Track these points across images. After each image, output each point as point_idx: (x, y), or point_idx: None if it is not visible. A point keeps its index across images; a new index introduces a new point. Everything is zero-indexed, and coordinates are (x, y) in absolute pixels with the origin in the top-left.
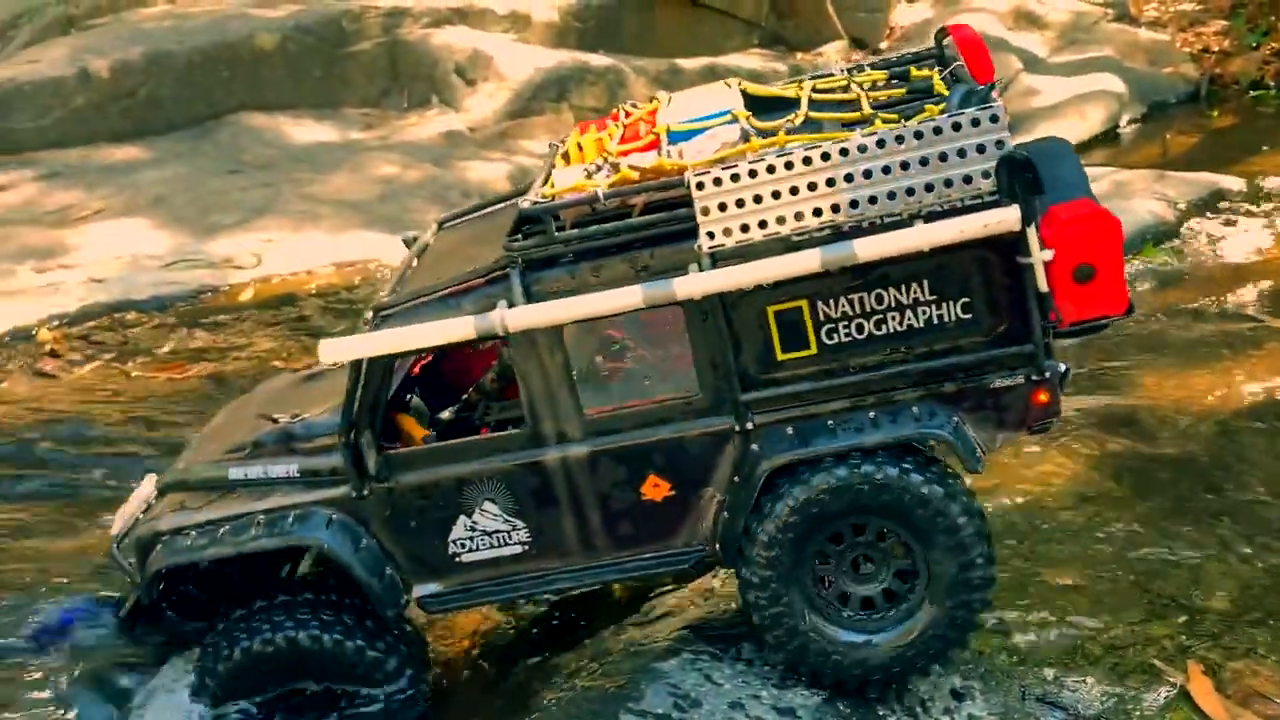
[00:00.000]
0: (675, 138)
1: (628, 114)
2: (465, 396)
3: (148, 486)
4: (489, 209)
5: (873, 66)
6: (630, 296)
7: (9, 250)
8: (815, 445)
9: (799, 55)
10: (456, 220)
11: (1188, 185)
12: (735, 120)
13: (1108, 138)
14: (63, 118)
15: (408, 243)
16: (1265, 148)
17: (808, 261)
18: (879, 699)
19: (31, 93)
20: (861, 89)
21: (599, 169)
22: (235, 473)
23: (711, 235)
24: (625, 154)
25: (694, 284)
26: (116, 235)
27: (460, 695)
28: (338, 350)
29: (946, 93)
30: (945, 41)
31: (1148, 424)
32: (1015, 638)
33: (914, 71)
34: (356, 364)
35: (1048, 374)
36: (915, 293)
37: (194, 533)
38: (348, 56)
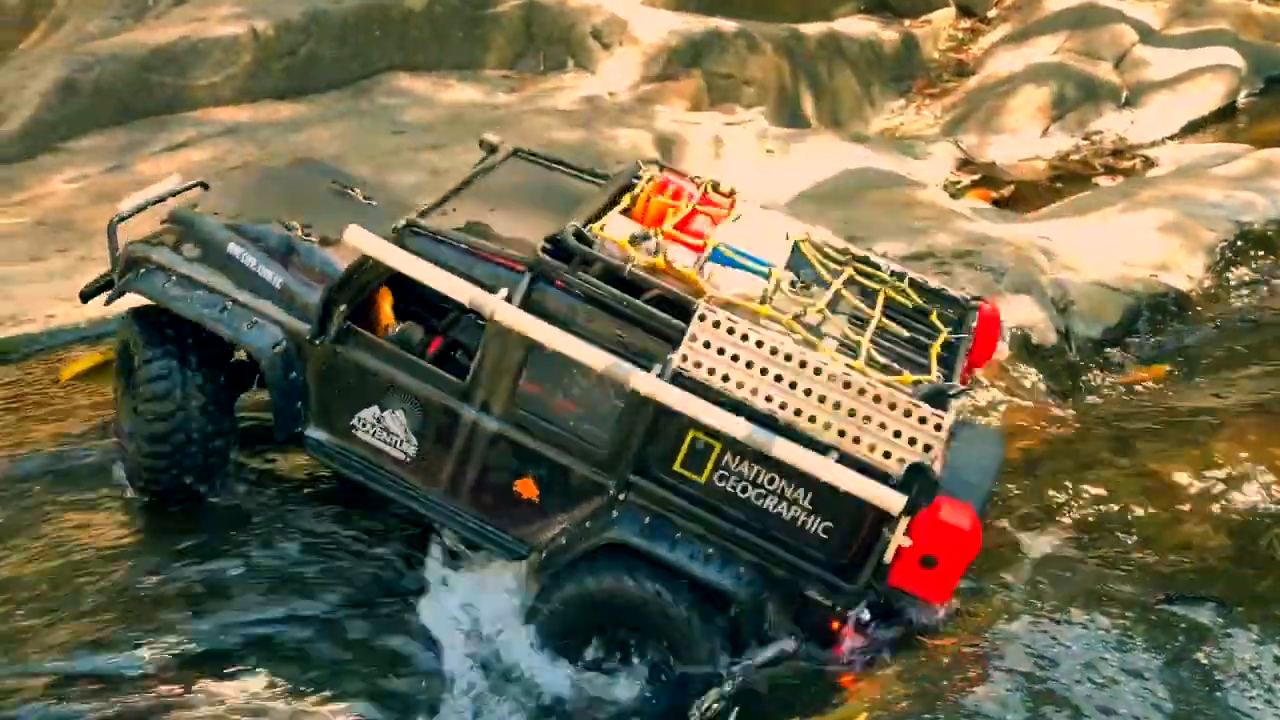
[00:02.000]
0: (717, 257)
1: (704, 196)
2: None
3: (170, 183)
4: (563, 168)
5: (912, 284)
6: (597, 360)
7: None
8: (654, 545)
9: (906, 22)
10: (533, 158)
11: None
12: (767, 279)
13: (1226, 113)
14: (233, 75)
15: (484, 146)
16: None
17: (737, 428)
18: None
19: (205, 50)
20: (887, 306)
21: (644, 239)
22: (233, 249)
23: (685, 358)
24: (673, 238)
25: (647, 385)
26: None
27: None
28: (359, 240)
29: (934, 360)
30: (972, 304)
31: None
32: None
33: (934, 315)
34: (365, 256)
35: (850, 614)
36: (798, 495)
37: (174, 279)
38: (487, 19)
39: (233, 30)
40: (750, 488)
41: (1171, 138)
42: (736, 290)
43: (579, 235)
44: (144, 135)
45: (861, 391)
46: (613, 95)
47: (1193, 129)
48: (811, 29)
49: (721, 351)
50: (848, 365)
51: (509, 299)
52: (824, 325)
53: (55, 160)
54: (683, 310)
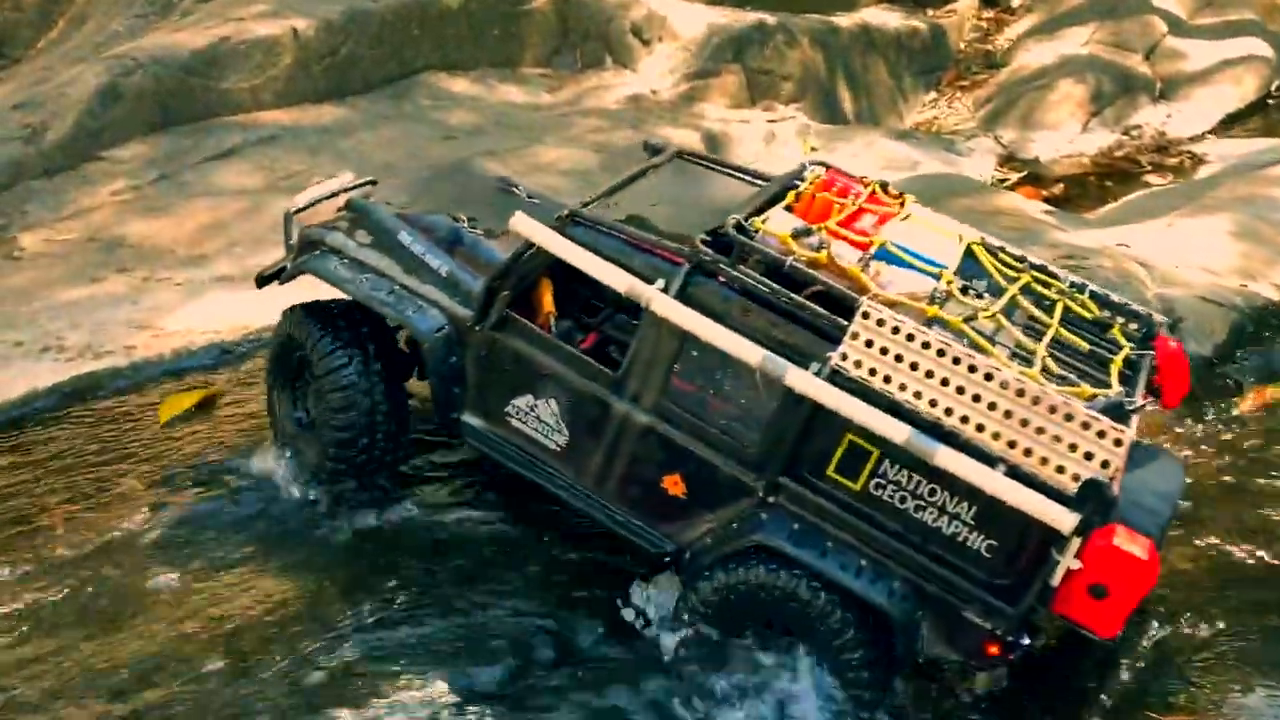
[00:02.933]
0: (883, 255)
1: (873, 195)
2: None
3: (344, 178)
4: (725, 169)
5: (1093, 296)
6: (752, 354)
7: (264, 225)
8: (802, 553)
9: (929, 11)
10: (696, 160)
11: None
12: (937, 279)
13: (1258, 106)
14: (274, 77)
15: (648, 148)
16: None
17: (897, 433)
18: None
19: (246, 52)
20: (1065, 317)
21: (807, 234)
22: (403, 237)
23: (845, 358)
24: (837, 235)
25: (804, 383)
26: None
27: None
28: (523, 226)
29: (1115, 375)
30: (1158, 322)
31: None
32: None
33: (1116, 330)
34: (530, 243)
35: (1009, 639)
36: (960, 509)
37: (345, 262)
38: (522, 15)
39: (272, 30)
40: (908, 498)
41: (1210, 132)
42: (904, 289)
43: (739, 228)
44: (187, 142)
45: (1036, 400)
46: (655, 94)
47: (1230, 122)
48: (844, 20)
49: (885, 351)
50: (1020, 373)
51: (665, 290)
52: (997, 332)
53: (99, 170)
54: (845, 308)
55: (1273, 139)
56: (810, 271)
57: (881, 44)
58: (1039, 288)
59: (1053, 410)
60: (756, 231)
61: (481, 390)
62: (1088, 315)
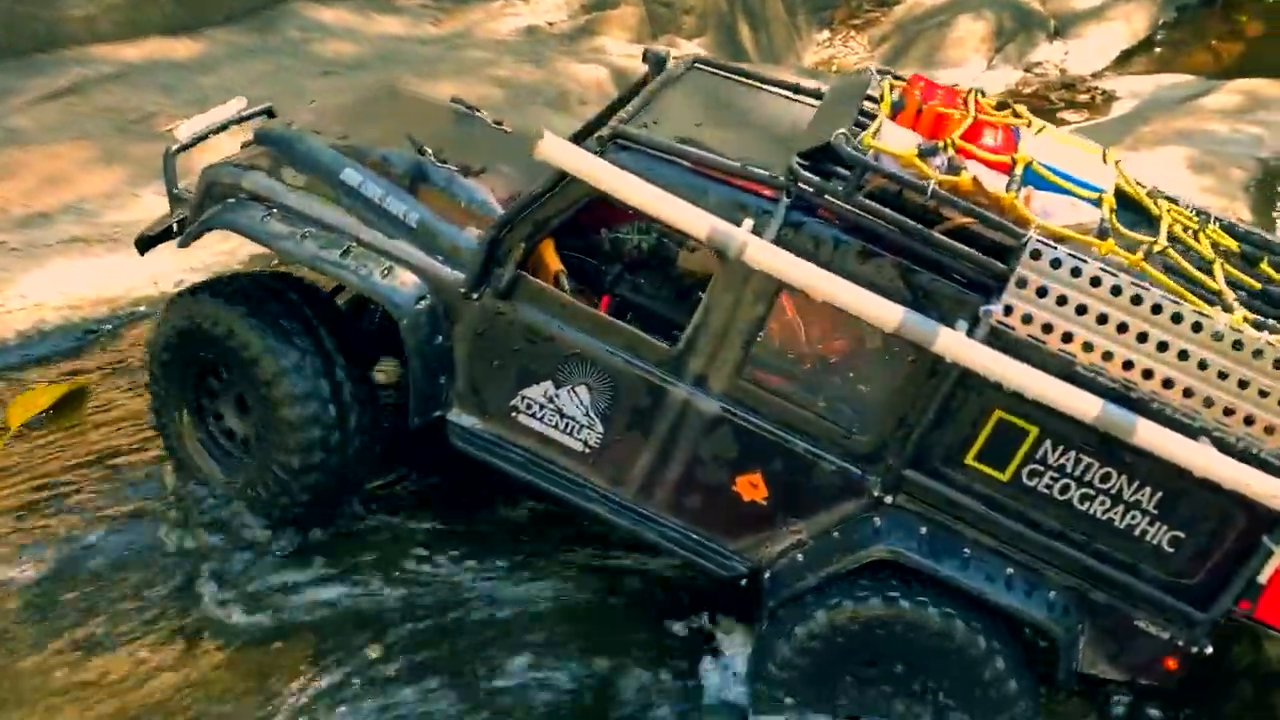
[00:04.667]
0: (1032, 178)
1: (978, 104)
2: (594, 240)
3: (235, 105)
4: (752, 80)
5: (1221, 225)
6: (886, 313)
7: (117, 176)
8: (941, 566)
9: None
10: (717, 71)
11: None
12: (1100, 206)
13: (1147, 44)
14: (114, 5)
15: (650, 60)
16: None
17: (1085, 407)
18: None
19: None
20: (1215, 250)
21: (934, 154)
22: (350, 175)
23: (1009, 310)
24: (967, 154)
25: (962, 347)
26: (231, 146)
27: None
28: (557, 152)
29: None
30: None
31: None
32: None
33: (1265, 264)
34: (561, 175)
35: (1195, 649)
36: (1140, 496)
37: (275, 213)
38: None
39: None
40: (1073, 486)
41: (1107, 69)
42: (1065, 221)
43: (852, 145)
44: (12, 80)
45: (1258, 354)
46: (551, 25)
47: (1124, 59)
48: None
49: (1061, 301)
50: (1227, 321)
51: (758, 232)
52: (1165, 272)
53: None
54: (994, 247)
55: (1177, 75)
56: (962, 203)
57: None
58: (1179, 215)
59: (1278, 365)
60: (869, 151)
61: (477, 380)
62: (1234, 246)
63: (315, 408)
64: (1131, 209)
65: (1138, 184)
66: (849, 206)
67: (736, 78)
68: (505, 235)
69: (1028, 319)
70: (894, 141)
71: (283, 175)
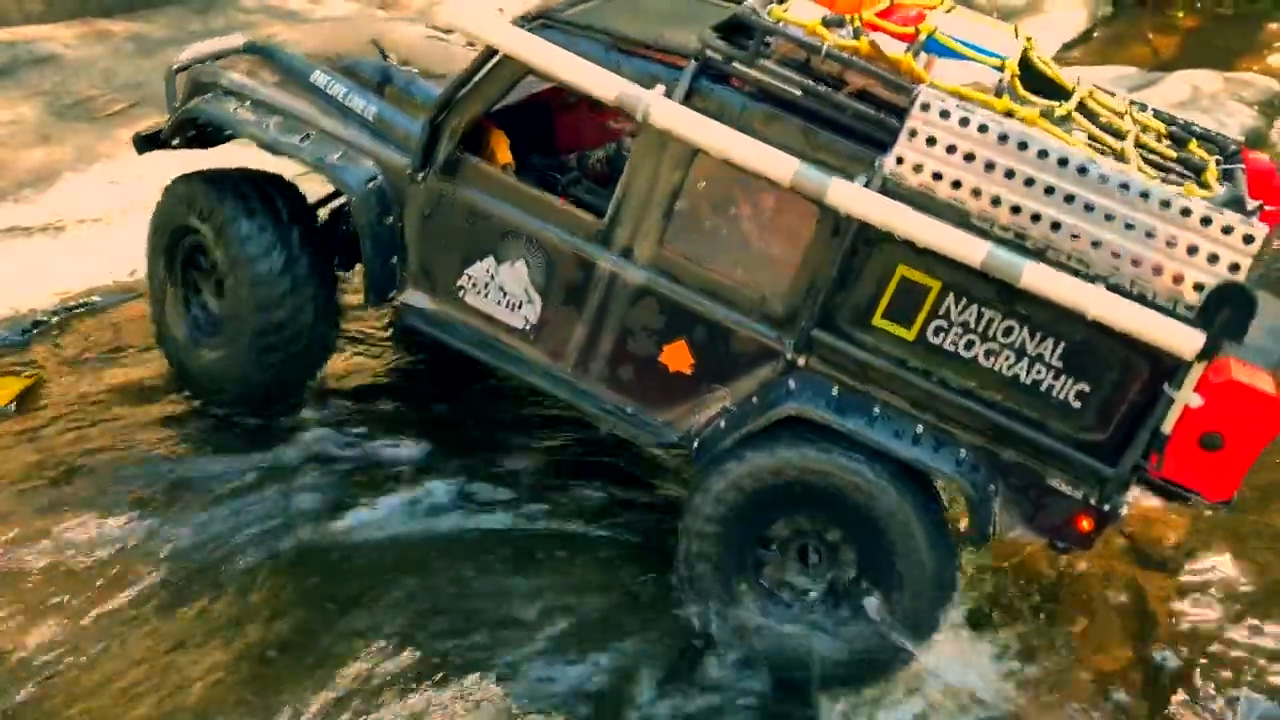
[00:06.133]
0: (933, 46)
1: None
2: (563, 160)
3: (236, 39)
4: None
5: (1155, 114)
6: (783, 167)
7: (58, 159)
8: (848, 421)
9: None
10: None
11: (1251, 87)
12: (1001, 70)
13: (1087, 37)
14: None
15: None
16: (1263, 49)
17: (972, 250)
18: None
19: None
20: (1134, 126)
21: (840, 25)
22: (318, 77)
23: (901, 161)
24: (874, 27)
25: (853, 197)
26: None
27: None
28: (478, 25)
29: (1212, 186)
30: (1232, 151)
31: None
32: None
33: (1193, 145)
34: (491, 51)
35: (1107, 507)
36: (1045, 350)
37: (247, 104)
38: None
39: None
40: (978, 342)
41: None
42: (961, 80)
43: (756, 14)
44: None
45: (1145, 196)
46: (502, 11)
47: (1065, 51)
48: None
49: (951, 149)
50: (1113, 165)
51: (667, 95)
52: (1070, 133)
53: None
54: (888, 107)
55: (1121, 67)
56: (855, 61)
57: None
58: (1102, 99)
59: (1165, 206)
60: (777, 22)
61: (426, 259)
62: (1161, 130)
63: (280, 282)
64: (1047, 85)
65: (1049, 62)
66: (752, 71)
67: None
68: (444, 117)
69: (918, 168)
70: (801, 12)
71: (259, 76)
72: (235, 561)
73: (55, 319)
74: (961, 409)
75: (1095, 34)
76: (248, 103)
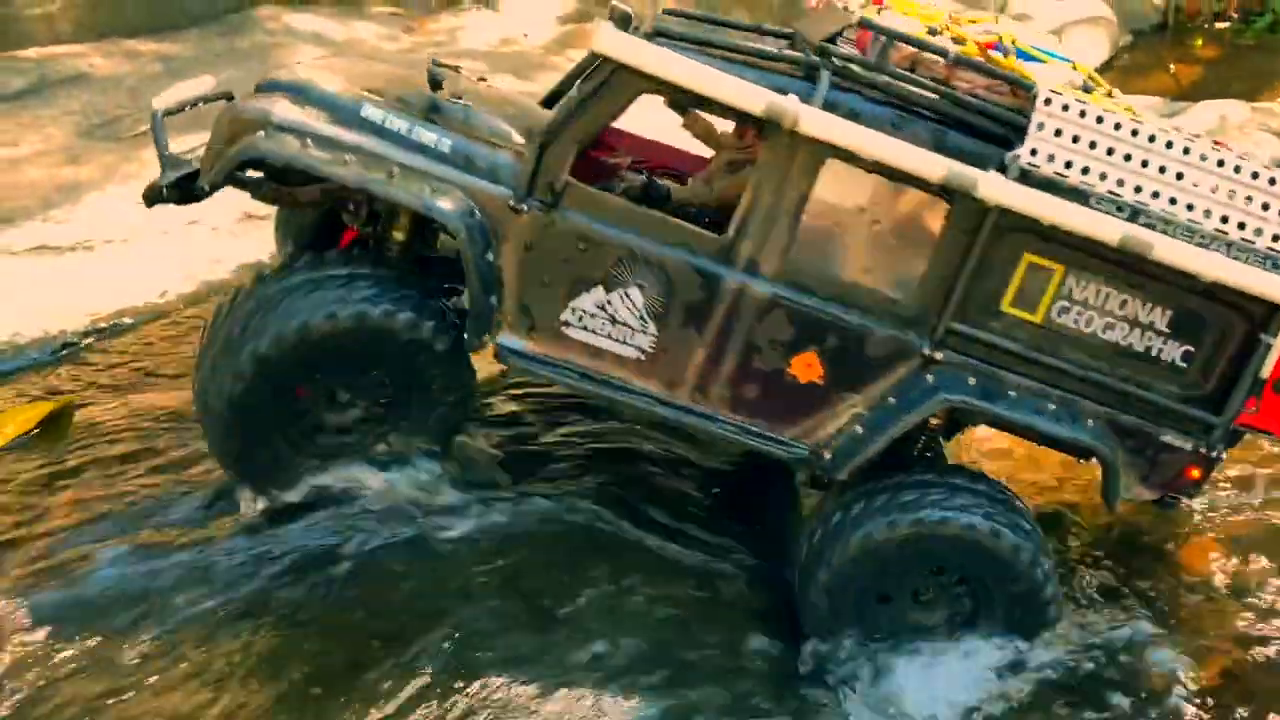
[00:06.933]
0: (1018, 52)
1: (952, 17)
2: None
3: (206, 83)
4: (717, 23)
5: None
6: (932, 165)
7: (87, 177)
8: (995, 405)
9: None
10: (680, 15)
11: (1278, 118)
12: (1077, 71)
13: (1109, 68)
14: (73, 3)
15: (614, 18)
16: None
17: (1108, 230)
18: None
19: None
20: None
21: (936, 33)
22: (371, 112)
23: (1034, 152)
24: (962, 37)
25: (998, 188)
26: None
27: None
28: (614, 44)
29: None
30: None
31: None
32: None
33: None
34: (614, 69)
35: (1214, 453)
36: (1154, 317)
37: (311, 139)
38: None
39: None
40: (1097, 317)
41: None
42: (1060, 81)
43: (875, 24)
44: None
45: (1237, 169)
46: (526, 36)
47: None
48: None
49: (1076, 140)
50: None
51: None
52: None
53: None
54: (1003, 108)
55: (1146, 96)
56: (966, 62)
57: None
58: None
59: (1255, 176)
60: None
61: (525, 294)
62: None
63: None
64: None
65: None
66: (883, 77)
67: (710, 21)
68: (555, 141)
69: (1051, 158)
70: (900, 25)
71: (307, 113)
72: (277, 593)
73: (85, 340)
74: (1085, 381)
75: (1115, 63)
76: (311, 139)
